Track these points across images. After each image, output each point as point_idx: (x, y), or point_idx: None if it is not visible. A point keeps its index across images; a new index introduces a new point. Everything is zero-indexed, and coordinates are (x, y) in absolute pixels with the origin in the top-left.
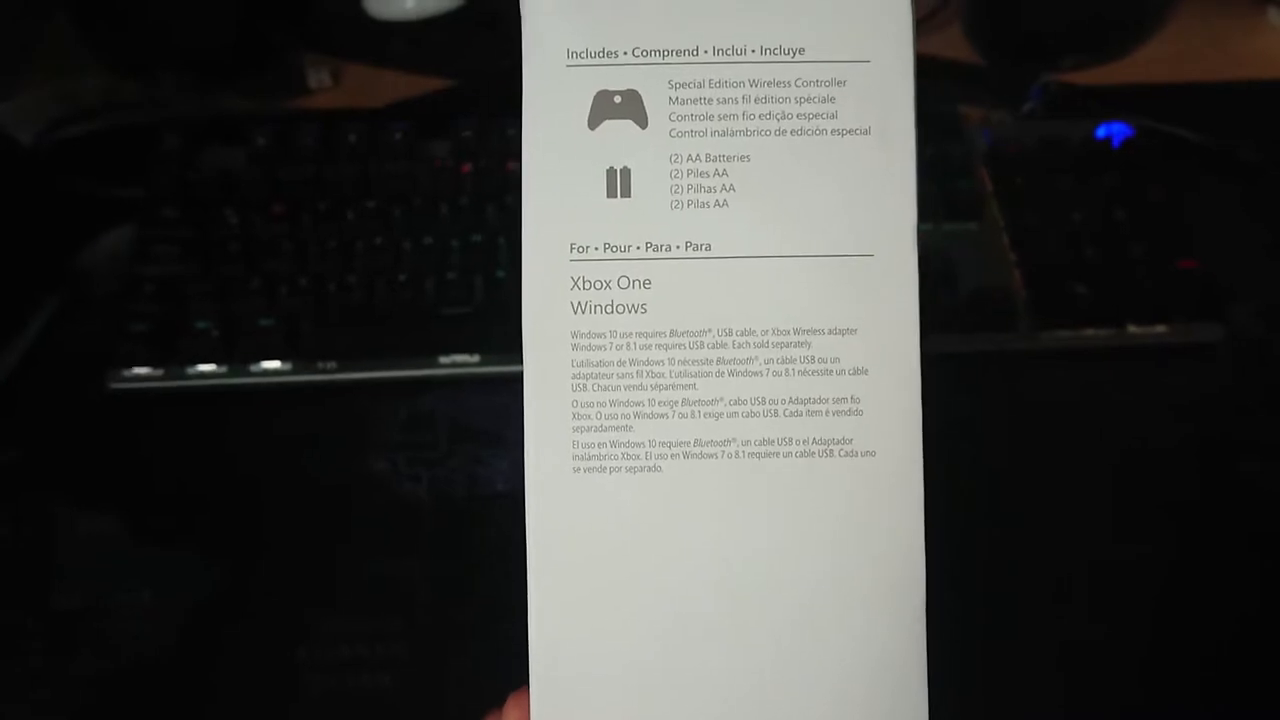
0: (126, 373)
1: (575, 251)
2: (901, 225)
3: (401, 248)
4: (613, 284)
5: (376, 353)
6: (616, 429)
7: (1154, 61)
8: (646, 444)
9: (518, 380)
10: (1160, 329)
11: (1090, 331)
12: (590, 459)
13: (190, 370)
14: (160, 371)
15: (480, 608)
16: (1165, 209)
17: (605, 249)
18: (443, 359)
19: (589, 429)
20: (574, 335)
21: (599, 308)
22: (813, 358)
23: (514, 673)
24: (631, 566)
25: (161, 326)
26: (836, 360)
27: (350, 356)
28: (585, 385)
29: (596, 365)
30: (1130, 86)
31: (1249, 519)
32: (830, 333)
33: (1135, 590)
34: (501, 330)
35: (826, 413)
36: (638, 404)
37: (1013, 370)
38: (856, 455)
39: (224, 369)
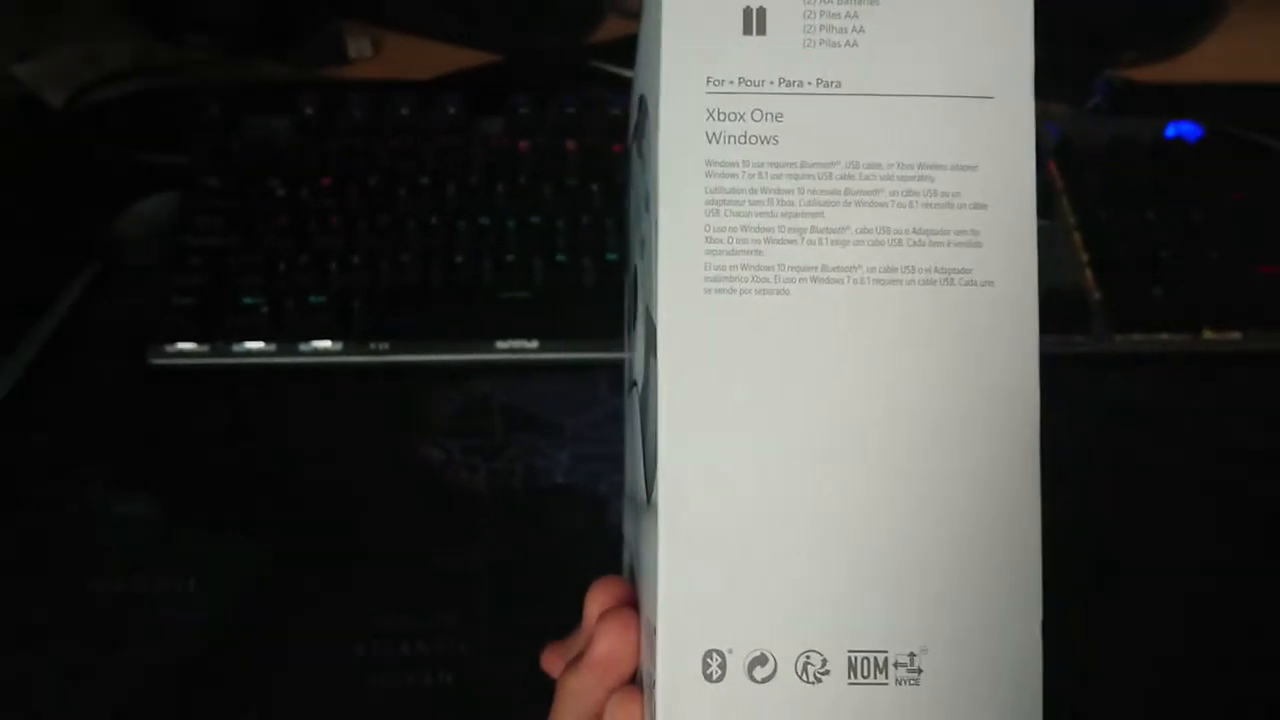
0: (169, 348)
1: (711, 85)
2: (1020, 69)
3: (456, 227)
4: (746, 116)
5: (431, 335)
6: (747, 253)
7: (1211, 59)
8: (775, 268)
9: (577, 368)
10: (1235, 335)
11: (1165, 336)
12: (721, 280)
13: (236, 347)
14: (205, 348)
15: (539, 603)
16: (1243, 211)
17: (740, 83)
18: (500, 344)
19: (720, 252)
20: (708, 164)
21: (732, 138)
22: (935, 191)
23: None
24: (757, 385)
25: (206, 301)
26: (958, 194)
27: (404, 338)
28: (718, 211)
29: (729, 192)
30: (1191, 85)
31: None
32: (952, 168)
33: (1209, 595)
34: (561, 316)
35: (948, 244)
36: (768, 230)
37: (1085, 373)
38: (976, 285)
39: (272, 347)
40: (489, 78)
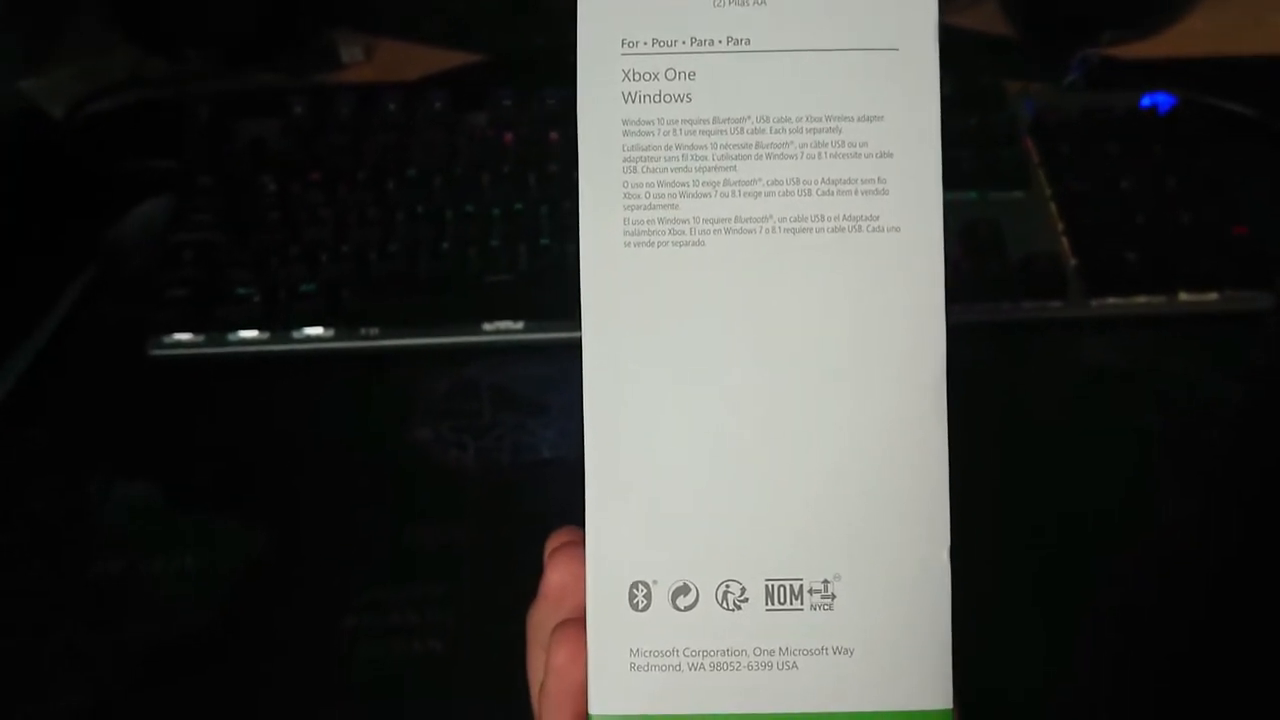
0: (166, 339)
1: (626, 47)
2: (923, 21)
3: (444, 216)
4: (660, 76)
5: (420, 319)
6: (664, 207)
7: (1192, 37)
8: (691, 220)
9: (562, 347)
10: (1211, 296)
11: (1141, 299)
12: (640, 234)
13: (231, 337)
14: (201, 338)
15: (527, 576)
16: (1215, 176)
17: (654, 44)
18: (486, 326)
19: (639, 207)
20: (625, 123)
21: (648, 97)
22: (843, 142)
23: None
24: (675, 332)
25: (201, 292)
26: (865, 144)
27: (393, 323)
28: (635, 168)
29: (645, 150)
30: (1170, 60)
31: None
32: (859, 119)
33: (1187, 554)
34: (545, 297)
35: (855, 192)
36: (683, 184)
37: (1062, 338)
38: (883, 230)
39: (265, 335)
40: (474, 76)
